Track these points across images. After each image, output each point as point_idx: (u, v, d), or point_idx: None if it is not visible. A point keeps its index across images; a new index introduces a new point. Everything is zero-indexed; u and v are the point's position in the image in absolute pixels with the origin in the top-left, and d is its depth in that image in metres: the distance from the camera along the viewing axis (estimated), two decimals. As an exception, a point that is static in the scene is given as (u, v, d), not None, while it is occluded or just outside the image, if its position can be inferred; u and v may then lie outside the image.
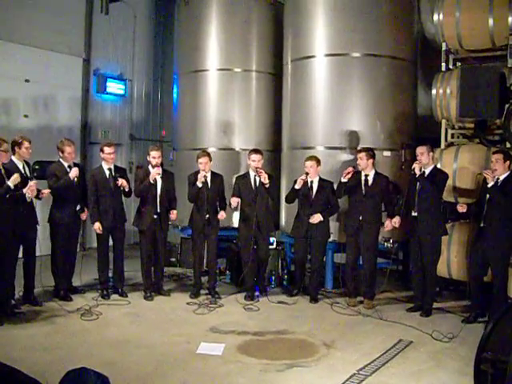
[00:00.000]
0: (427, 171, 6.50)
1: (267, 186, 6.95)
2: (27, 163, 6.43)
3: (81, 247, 10.07)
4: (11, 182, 5.78)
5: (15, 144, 6.24)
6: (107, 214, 6.94)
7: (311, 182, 7.04)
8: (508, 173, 6.03)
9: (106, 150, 6.97)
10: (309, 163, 7.02)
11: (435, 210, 6.49)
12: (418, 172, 6.44)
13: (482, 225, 6.14)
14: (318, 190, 7.05)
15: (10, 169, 5.98)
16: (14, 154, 6.24)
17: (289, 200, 7.26)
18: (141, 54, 11.70)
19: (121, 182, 6.88)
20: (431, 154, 6.56)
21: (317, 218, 6.96)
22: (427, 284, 6.53)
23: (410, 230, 6.65)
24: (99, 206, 6.92)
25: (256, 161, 6.99)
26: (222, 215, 7.12)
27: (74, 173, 6.62)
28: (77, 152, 8.29)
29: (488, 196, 6.08)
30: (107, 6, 10.23)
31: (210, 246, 7.31)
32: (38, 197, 6.37)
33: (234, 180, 7.46)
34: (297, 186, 6.98)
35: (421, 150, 6.51)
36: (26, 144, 6.25)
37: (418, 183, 6.45)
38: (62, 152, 6.72)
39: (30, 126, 9.35)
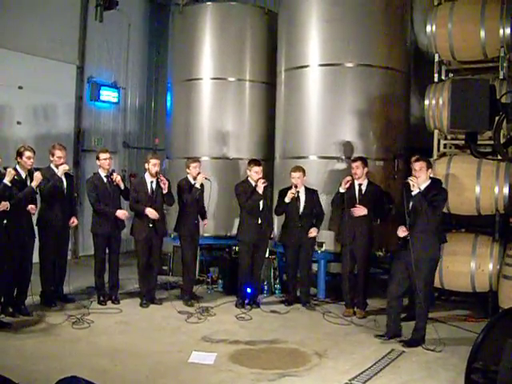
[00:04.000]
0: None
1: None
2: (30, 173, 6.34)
3: (72, 255, 10.04)
4: (7, 178, 5.85)
5: (17, 154, 6.26)
6: (106, 221, 6.99)
7: (298, 192, 7.08)
8: (429, 181, 5.82)
9: (102, 155, 7.06)
10: (296, 174, 7.06)
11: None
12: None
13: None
14: (306, 200, 7.16)
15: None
16: (17, 163, 6.25)
17: (278, 213, 7.39)
18: (135, 62, 11.72)
19: (115, 176, 6.96)
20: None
21: (314, 232, 7.11)
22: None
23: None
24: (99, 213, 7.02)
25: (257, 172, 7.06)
26: (206, 223, 7.44)
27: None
28: (69, 159, 8.24)
29: (412, 204, 5.75)
30: (102, 14, 10.24)
31: (195, 251, 7.46)
32: None
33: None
34: (287, 200, 7.05)
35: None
36: (27, 154, 6.22)
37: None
38: (53, 155, 6.77)
39: (23, 133, 9.31)
